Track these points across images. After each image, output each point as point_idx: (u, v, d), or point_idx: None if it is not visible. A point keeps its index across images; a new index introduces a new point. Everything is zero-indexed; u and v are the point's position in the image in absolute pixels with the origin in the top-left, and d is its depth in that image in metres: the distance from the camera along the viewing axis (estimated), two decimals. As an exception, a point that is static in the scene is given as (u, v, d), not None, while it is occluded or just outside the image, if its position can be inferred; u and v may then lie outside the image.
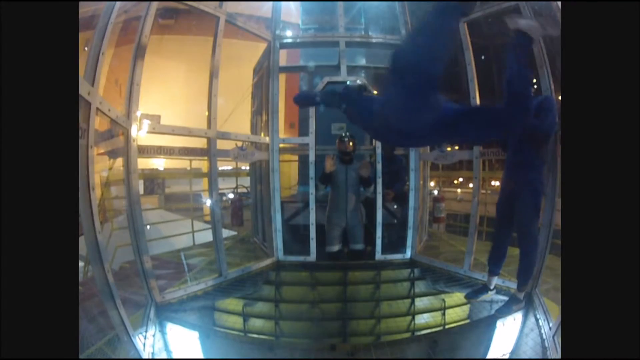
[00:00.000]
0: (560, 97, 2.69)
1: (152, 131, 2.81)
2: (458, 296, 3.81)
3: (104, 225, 4.25)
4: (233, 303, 3.71)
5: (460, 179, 10.24)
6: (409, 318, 3.87)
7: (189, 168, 4.88)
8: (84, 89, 1.92)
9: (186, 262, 3.59)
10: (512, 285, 2.87)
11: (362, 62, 4.69)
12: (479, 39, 3.67)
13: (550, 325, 2.68)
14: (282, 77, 4.41)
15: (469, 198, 3.62)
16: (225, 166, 5.96)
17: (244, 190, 5.77)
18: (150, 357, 2.62)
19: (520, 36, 1.60)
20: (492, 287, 2.80)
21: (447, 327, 3.76)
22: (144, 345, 2.55)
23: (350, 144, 3.75)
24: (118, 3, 2.24)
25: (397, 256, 3.86)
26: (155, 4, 2.75)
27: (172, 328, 2.92)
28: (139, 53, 2.68)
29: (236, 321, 3.75)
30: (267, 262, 3.72)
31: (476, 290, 2.95)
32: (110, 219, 4.81)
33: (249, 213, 4.78)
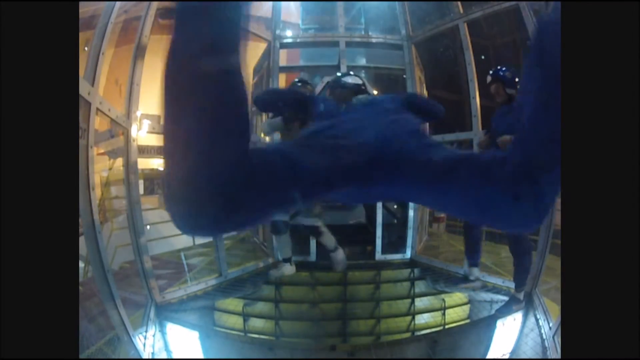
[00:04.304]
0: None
1: (152, 131, 2.81)
2: (458, 296, 3.81)
3: (104, 225, 4.25)
4: (233, 303, 3.71)
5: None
6: (408, 318, 3.87)
7: (189, 168, 4.86)
8: (84, 89, 1.92)
9: (186, 262, 3.59)
10: (512, 285, 2.87)
11: (362, 62, 4.69)
12: (479, 39, 3.67)
13: (550, 325, 2.67)
14: (282, 77, 4.40)
15: (469, 198, 3.60)
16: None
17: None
18: (150, 357, 2.62)
19: None
20: (472, 278, 2.83)
21: (447, 327, 3.75)
22: (144, 345, 2.55)
23: None
24: (118, 3, 2.24)
25: (397, 256, 3.86)
26: (155, 4, 2.75)
27: (172, 328, 2.92)
28: (139, 53, 2.68)
29: (236, 321, 3.75)
30: (267, 262, 3.72)
31: (457, 280, 3.07)
32: (110, 219, 4.81)
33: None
